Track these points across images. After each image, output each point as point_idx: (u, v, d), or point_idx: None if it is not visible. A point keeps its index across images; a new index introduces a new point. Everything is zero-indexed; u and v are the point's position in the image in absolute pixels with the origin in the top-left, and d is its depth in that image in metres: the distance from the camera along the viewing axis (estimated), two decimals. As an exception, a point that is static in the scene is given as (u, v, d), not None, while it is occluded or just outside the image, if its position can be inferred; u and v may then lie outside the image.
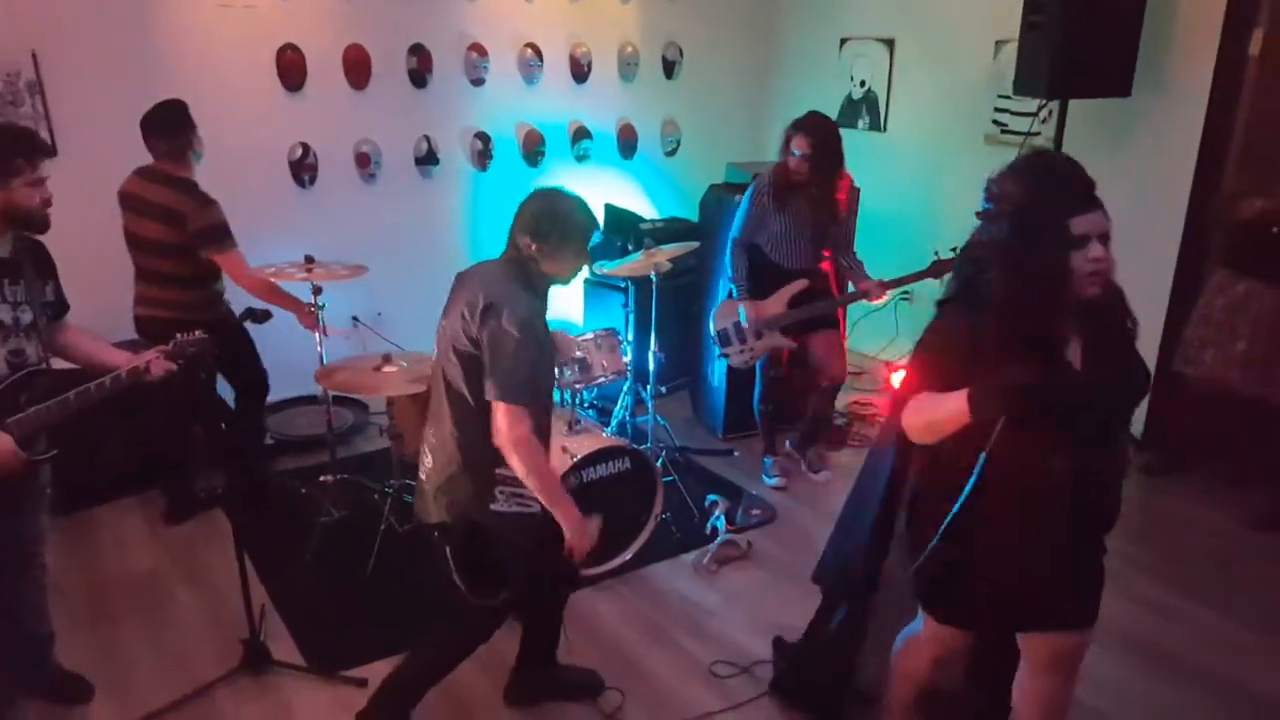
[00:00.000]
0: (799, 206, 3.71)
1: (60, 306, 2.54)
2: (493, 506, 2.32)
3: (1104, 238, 1.83)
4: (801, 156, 3.59)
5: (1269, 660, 2.94)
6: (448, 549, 2.40)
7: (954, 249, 3.85)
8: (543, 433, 2.34)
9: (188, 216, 3.31)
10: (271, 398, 3.93)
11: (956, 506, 1.89)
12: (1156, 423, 4.34)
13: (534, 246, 2.27)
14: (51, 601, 2.74)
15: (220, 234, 3.35)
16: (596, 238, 2.40)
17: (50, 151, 2.39)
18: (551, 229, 2.26)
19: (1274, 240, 3.51)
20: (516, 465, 2.22)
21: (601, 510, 3.27)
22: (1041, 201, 1.82)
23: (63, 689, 2.73)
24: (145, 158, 3.33)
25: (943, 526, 1.92)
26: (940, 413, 1.81)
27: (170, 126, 3.35)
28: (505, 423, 2.19)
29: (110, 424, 3.64)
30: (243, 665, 2.82)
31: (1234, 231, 3.70)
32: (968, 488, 1.86)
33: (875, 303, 3.84)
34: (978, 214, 1.96)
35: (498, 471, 2.29)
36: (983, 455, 1.82)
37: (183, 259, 3.36)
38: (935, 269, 3.72)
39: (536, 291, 2.33)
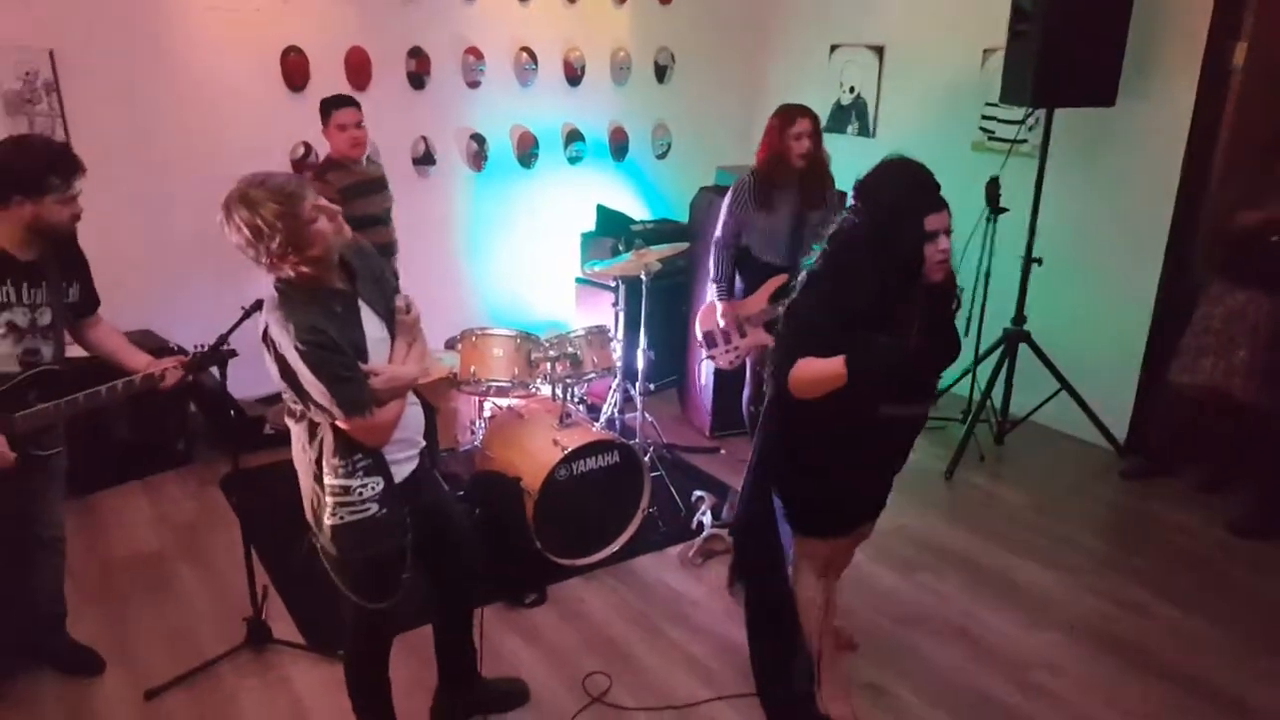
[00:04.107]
0: (780, 202, 3.80)
1: (87, 305, 2.63)
2: (328, 521, 2.12)
3: (948, 232, 2.24)
4: (805, 135, 3.70)
5: (1235, 660, 3.03)
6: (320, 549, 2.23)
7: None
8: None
9: None
10: (273, 390, 4.03)
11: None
12: (1139, 428, 4.43)
13: (265, 260, 1.94)
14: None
15: None
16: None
17: (82, 169, 2.42)
18: (273, 226, 1.91)
19: (1273, 249, 3.54)
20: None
21: (590, 502, 3.42)
22: (903, 202, 2.23)
23: (75, 662, 2.84)
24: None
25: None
26: (823, 374, 2.24)
27: None
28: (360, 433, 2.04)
29: (119, 410, 3.75)
30: (245, 642, 2.94)
31: (1232, 241, 3.71)
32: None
33: None
34: (848, 208, 2.37)
35: (328, 483, 2.10)
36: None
37: None
38: None
39: (314, 297, 2.02)
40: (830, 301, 2.29)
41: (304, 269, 1.97)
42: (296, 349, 1.94)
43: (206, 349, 2.64)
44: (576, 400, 3.95)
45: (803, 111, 3.74)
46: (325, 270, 2.03)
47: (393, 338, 2.18)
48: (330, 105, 3.82)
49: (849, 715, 2.67)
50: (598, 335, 3.78)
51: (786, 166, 3.74)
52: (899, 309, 2.22)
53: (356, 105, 3.86)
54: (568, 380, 3.67)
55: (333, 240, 2.00)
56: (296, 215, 1.92)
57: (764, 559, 2.72)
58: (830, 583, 2.71)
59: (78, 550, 3.45)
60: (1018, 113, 4.40)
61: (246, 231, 1.90)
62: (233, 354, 2.66)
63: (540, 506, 3.28)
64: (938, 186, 2.26)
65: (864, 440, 2.40)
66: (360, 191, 3.84)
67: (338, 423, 2.02)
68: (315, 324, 1.95)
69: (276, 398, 4.59)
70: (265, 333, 2.02)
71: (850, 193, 2.36)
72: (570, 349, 3.66)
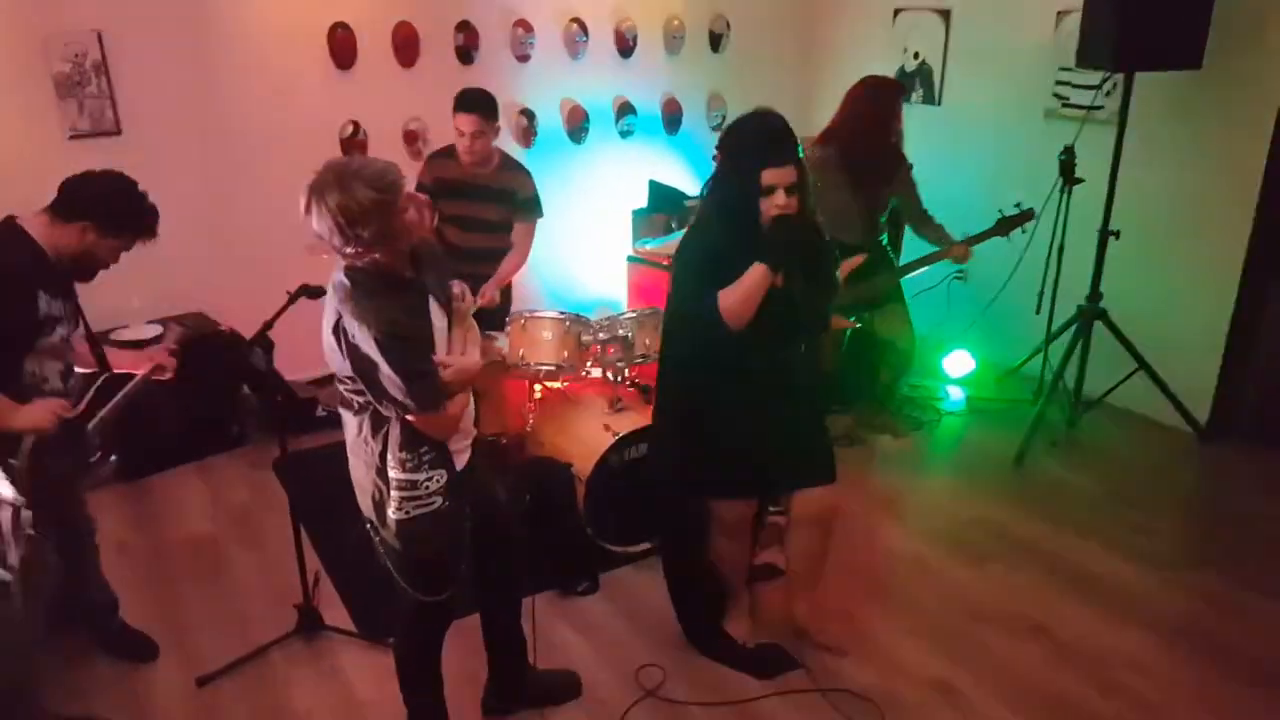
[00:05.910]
0: (860, 177, 3.67)
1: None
2: (393, 515, 2.09)
3: (791, 188, 2.26)
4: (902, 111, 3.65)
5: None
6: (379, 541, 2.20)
7: (1017, 204, 3.85)
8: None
9: None
10: (325, 372, 4.02)
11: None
12: (1222, 409, 4.24)
13: (352, 249, 1.88)
14: (115, 564, 2.89)
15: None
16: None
17: (151, 236, 2.44)
18: (368, 214, 1.84)
19: None
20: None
21: (642, 489, 3.33)
22: (741, 155, 2.31)
23: (130, 648, 2.86)
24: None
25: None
26: (748, 285, 2.31)
27: None
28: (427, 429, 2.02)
29: (168, 395, 3.75)
30: (297, 629, 2.93)
31: None
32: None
33: (962, 263, 3.85)
34: (714, 156, 2.47)
35: (393, 477, 2.07)
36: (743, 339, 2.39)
37: None
38: (1002, 226, 3.83)
39: (389, 287, 1.97)
40: (718, 242, 2.39)
41: (380, 258, 1.92)
42: (376, 341, 1.89)
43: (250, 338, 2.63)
44: (628, 384, 3.86)
45: (904, 88, 3.66)
46: (400, 260, 1.99)
47: (450, 327, 2.13)
48: (455, 105, 3.53)
49: (747, 634, 2.87)
50: (650, 317, 3.67)
51: (880, 142, 3.63)
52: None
53: (482, 113, 3.48)
54: (619, 363, 3.58)
55: (416, 232, 1.96)
56: (392, 206, 1.87)
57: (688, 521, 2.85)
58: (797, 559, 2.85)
59: (133, 534, 3.52)
60: (1094, 78, 4.17)
61: (339, 217, 1.82)
62: (252, 347, 2.64)
63: (592, 492, 3.21)
64: (790, 140, 2.27)
65: (747, 391, 2.50)
66: (453, 191, 3.62)
67: (409, 417, 1.97)
68: (395, 316, 1.91)
69: (329, 379, 4.67)
70: (337, 324, 1.95)
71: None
72: (621, 331, 3.57)
